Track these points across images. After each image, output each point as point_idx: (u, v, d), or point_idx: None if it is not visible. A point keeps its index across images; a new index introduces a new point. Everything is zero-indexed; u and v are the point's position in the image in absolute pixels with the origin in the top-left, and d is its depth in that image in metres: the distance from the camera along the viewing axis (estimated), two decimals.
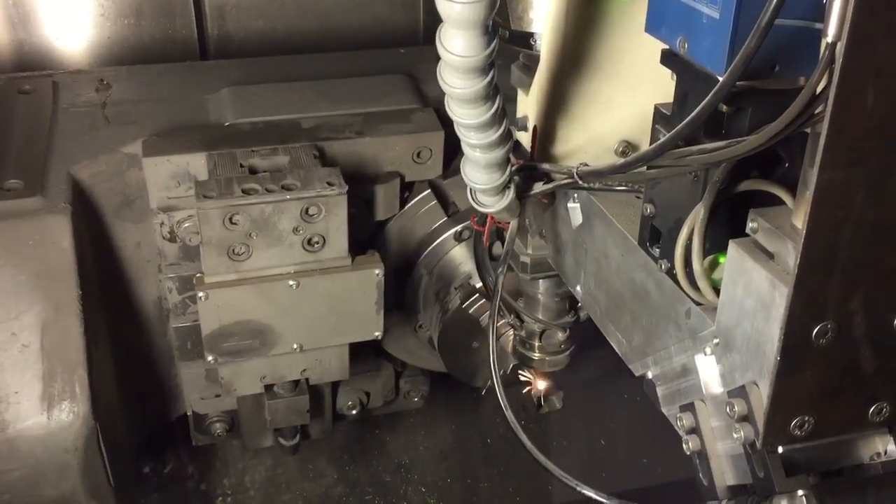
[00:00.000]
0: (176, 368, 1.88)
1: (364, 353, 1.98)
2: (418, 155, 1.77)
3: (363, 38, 2.34)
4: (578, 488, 1.21)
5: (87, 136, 1.73)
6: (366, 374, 2.05)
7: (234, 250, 1.53)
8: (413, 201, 1.86)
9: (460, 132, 1.16)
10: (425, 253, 1.91)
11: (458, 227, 1.86)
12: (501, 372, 1.86)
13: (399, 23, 2.38)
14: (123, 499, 1.66)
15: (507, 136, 1.17)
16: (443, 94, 1.87)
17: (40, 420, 1.49)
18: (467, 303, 1.78)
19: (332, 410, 2.04)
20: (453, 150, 1.80)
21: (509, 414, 1.27)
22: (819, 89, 0.85)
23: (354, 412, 2.07)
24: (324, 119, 1.77)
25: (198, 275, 1.56)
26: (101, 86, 1.90)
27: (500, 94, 1.12)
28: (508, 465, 2.58)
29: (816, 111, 0.88)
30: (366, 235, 1.80)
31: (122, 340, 1.77)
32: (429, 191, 1.85)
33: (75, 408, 1.50)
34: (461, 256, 1.87)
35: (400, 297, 1.98)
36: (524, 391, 1.79)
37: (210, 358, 1.62)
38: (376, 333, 1.71)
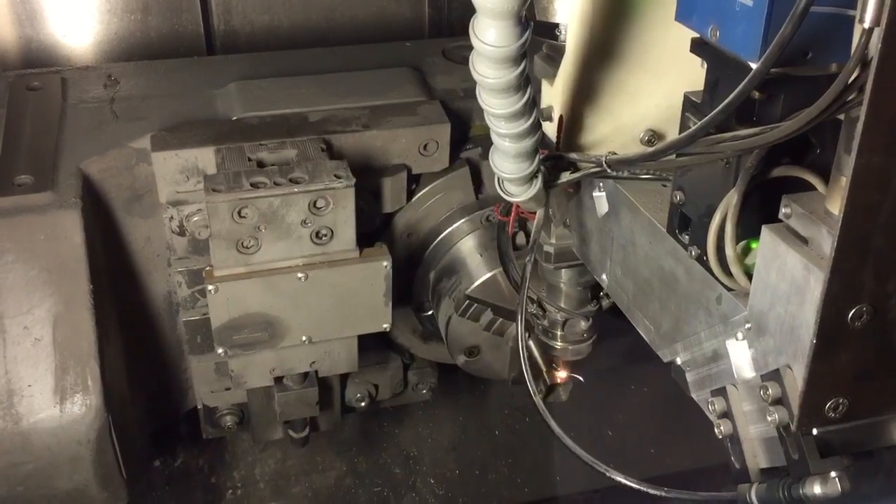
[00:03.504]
0: (186, 362, 1.88)
1: (372, 346, 1.98)
2: (425, 147, 1.78)
3: (369, 32, 2.34)
4: (608, 473, 1.22)
5: (96, 131, 1.73)
6: (374, 367, 2.05)
7: (242, 243, 1.53)
8: (420, 193, 1.87)
9: (490, 122, 1.17)
10: (432, 245, 1.93)
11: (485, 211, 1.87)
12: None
13: (405, 16, 2.37)
14: (135, 491, 1.66)
15: (536, 126, 1.17)
16: (448, 87, 1.91)
17: (53, 413, 1.49)
18: (461, 311, 1.81)
19: (340, 403, 2.04)
20: (458, 142, 1.83)
21: (538, 400, 1.28)
22: (853, 76, 0.87)
23: (363, 404, 2.07)
24: (331, 112, 1.78)
25: (207, 268, 1.57)
26: (110, 81, 1.90)
27: (531, 84, 1.12)
28: (516, 457, 2.59)
29: (850, 97, 0.89)
30: (373, 228, 1.81)
31: (133, 335, 1.77)
32: (438, 181, 1.85)
33: (87, 400, 1.50)
34: (467, 249, 1.88)
35: (408, 290, 1.99)
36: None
37: (220, 350, 1.62)
38: (385, 325, 1.72)
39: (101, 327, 1.53)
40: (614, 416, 2.68)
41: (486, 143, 1.86)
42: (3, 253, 1.51)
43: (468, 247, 1.88)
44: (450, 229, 1.90)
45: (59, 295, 1.52)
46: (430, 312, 1.98)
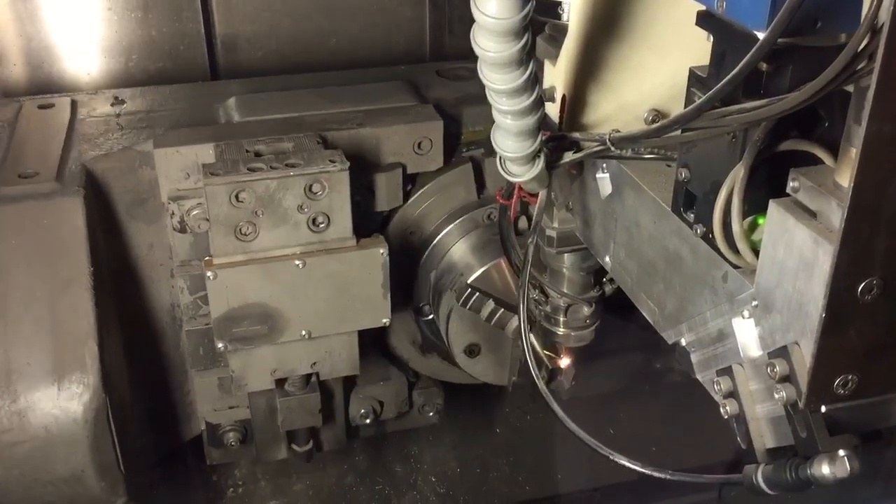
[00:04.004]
0: (189, 384, 1.89)
1: (375, 361, 2.01)
2: (419, 146, 1.81)
3: (370, 60, 2.35)
4: (612, 457, 1.20)
5: (102, 137, 1.79)
6: (377, 384, 2.05)
7: (241, 230, 1.55)
8: (419, 192, 1.88)
9: (492, 98, 1.15)
10: (434, 243, 1.93)
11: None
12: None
13: (406, 45, 2.39)
14: (134, 486, 1.65)
15: (539, 103, 1.16)
16: (440, 96, 1.92)
17: (51, 391, 1.51)
18: (463, 300, 1.80)
19: (345, 419, 2.04)
20: (450, 148, 1.86)
21: (542, 385, 1.26)
22: (863, 43, 0.85)
23: (367, 421, 2.06)
24: (327, 115, 1.83)
25: (206, 258, 1.59)
26: (116, 101, 1.98)
27: (533, 59, 1.11)
28: (518, 455, 2.57)
29: (860, 66, 0.88)
30: (372, 227, 1.81)
31: (136, 352, 1.78)
32: (441, 177, 1.88)
33: (85, 379, 1.52)
34: (469, 246, 1.88)
35: (409, 292, 1.98)
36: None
37: (220, 345, 1.63)
38: (384, 320, 1.72)
39: (100, 310, 1.55)
40: (616, 415, 2.66)
41: (484, 144, 1.88)
42: (6, 236, 1.54)
43: (470, 243, 1.88)
44: (451, 226, 1.91)
45: (60, 276, 1.55)
46: (430, 317, 1.98)
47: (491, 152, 1.84)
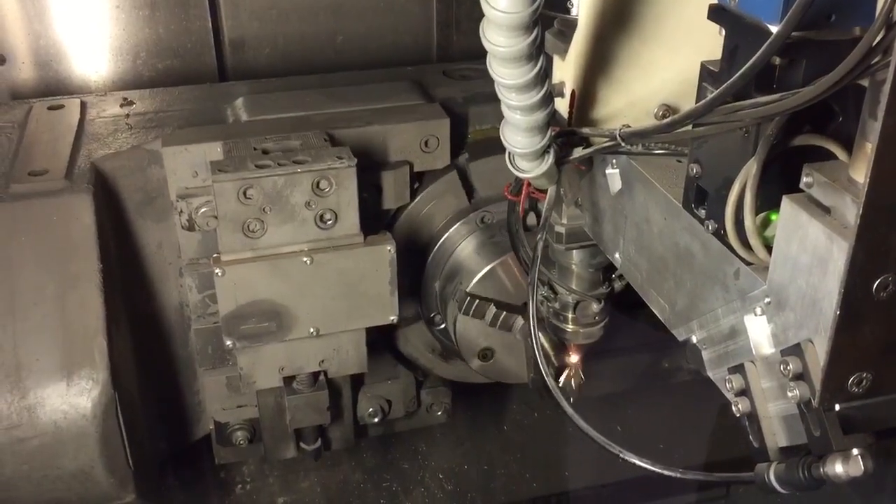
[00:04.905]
0: (198, 384, 1.89)
1: (383, 360, 2.01)
2: (426, 144, 1.81)
3: (378, 63, 2.36)
4: (622, 455, 1.20)
5: (111, 137, 1.81)
6: (385, 382, 2.05)
7: (248, 227, 1.56)
8: (423, 192, 1.88)
9: (501, 93, 1.15)
10: (433, 254, 1.93)
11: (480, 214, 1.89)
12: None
13: (413, 47, 2.40)
14: (142, 484, 1.66)
15: (548, 98, 1.15)
16: (447, 95, 1.92)
17: (60, 387, 1.51)
18: (464, 309, 1.79)
19: (353, 418, 2.04)
20: (457, 147, 1.87)
21: (552, 382, 1.25)
22: (878, 37, 0.84)
23: (376, 420, 2.06)
24: (334, 114, 1.84)
25: (214, 255, 1.59)
26: (125, 102, 1.99)
27: (543, 54, 1.10)
28: (525, 452, 2.57)
29: (875, 60, 0.87)
30: (379, 227, 1.81)
31: (145, 353, 1.78)
32: (440, 180, 1.88)
33: (94, 375, 1.52)
34: (466, 252, 1.88)
35: (415, 294, 1.98)
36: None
37: (228, 342, 1.63)
38: (392, 317, 1.72)
39: (109, 307, 1.56)
40: (624, 412, 2.65)
41: (473, 147, 1.90)
42: (17, 233, 1.55)
43: (467, 249, 1.88)
44: (447, 235, 1.91)
45: (69, 273, 1.56)
46: (442, 325, 1.97)
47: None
